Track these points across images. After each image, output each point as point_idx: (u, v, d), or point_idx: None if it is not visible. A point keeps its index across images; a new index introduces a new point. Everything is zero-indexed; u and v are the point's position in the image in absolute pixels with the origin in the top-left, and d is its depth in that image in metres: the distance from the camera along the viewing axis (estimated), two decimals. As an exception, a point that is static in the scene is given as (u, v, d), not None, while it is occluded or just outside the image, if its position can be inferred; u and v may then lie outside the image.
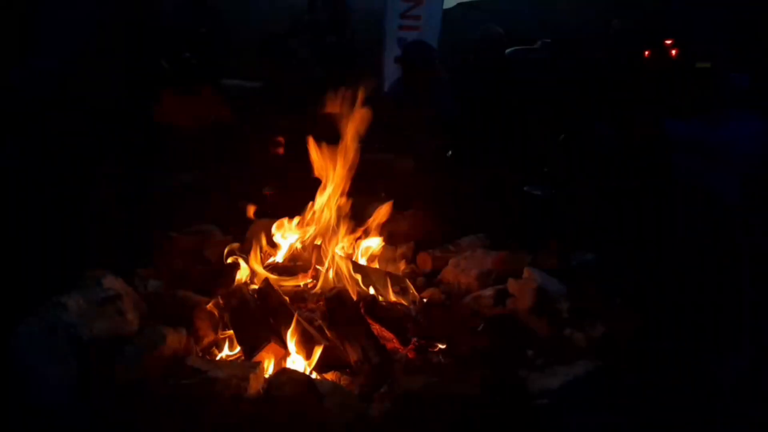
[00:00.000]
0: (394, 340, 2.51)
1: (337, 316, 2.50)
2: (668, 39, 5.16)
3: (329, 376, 2.35)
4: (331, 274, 2.80)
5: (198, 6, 6.13)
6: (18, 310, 2.32)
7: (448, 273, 3.18)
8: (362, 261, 3.11)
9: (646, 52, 5.55)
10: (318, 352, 2.33)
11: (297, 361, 2.35)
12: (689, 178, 3.68)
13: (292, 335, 2.38)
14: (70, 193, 3.31)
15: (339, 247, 2.99)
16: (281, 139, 4.20)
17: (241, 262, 2.86)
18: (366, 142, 3.00)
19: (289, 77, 5.04)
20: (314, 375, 2.30)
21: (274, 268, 2.93)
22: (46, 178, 3.41)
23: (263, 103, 5.08)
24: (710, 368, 2.26)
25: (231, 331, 2.50)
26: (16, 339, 2.17)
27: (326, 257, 2.87)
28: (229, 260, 2.93)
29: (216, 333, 2.54)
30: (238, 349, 2.44)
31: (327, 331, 2.48)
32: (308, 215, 3.11)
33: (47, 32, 3.98)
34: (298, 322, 2.43)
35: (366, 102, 2.95)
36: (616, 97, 4.42)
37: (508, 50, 5.54)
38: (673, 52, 5.92)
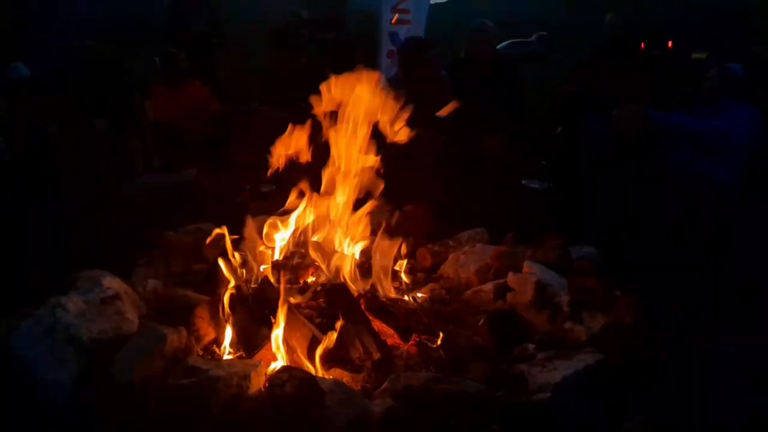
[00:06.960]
0: (395, 336, 2.50)
1: (337, 312, 2.49)
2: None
3: (330, 372, 2.34)
4: (330, 270, 2.79)
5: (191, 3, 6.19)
6: (17, 311, 2.31)
7: (448, 268, 3.17)
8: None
9: (642, 44, 5.54)
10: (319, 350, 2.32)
11: (297, 358, 2.34)
12: (684, 169, 3.68)
13: (292, 332, 2.37)
14: (67, 191, 3.30)
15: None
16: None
17: (240, 259, 2.85)
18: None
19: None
20: (315, 372, 2.30)
21: (273, 266, 2.92)
22: (42, 177, 3.40)
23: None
24: (708, 358, 2.26)
25: (231, 330, 2.49)
26: (15, 339, 2.16)
27: (326, 253, 2.86)
28: (224, 258, 2.90)
29: (216, 331, 2.53)
30: (238, 347, 2.43)
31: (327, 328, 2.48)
32: (306, 210, 3.09)
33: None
34: (298, 318, 2.43)
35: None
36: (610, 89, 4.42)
37: (502, 44, 5.53)
38: (670, 43, 5.91)
